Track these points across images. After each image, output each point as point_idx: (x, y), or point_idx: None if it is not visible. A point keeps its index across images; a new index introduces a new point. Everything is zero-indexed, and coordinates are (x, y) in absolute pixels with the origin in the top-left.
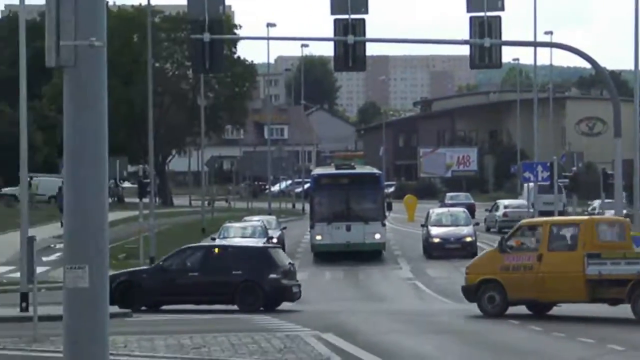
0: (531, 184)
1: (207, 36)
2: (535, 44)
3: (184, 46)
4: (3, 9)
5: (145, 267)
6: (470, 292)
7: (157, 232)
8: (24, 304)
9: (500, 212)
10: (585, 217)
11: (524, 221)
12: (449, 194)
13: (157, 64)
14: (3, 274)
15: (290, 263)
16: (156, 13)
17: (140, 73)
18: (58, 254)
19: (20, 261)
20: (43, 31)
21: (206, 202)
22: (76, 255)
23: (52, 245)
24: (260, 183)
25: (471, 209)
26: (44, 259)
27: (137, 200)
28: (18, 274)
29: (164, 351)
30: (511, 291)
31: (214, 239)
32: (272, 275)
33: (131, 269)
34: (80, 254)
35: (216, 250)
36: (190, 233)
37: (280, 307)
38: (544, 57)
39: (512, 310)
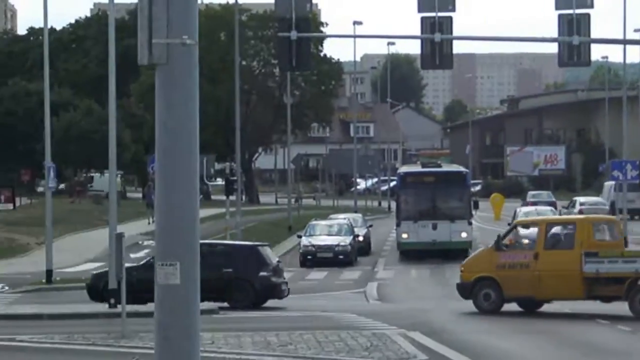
0: (611, 182)
1: (294, 34)
2: (624, 42)
3: (271, 44)
4: (92, 7)
5: (135, 265)
6: (466, 290)
7: (243, 229)
8: (112, 300)
9: (576, 209)
10: (581, 217)
11: (518, 220)
12: (530, 192)
13: (244, 62)
14: (92, 270)
15: (278, 261)
16: (243, 11)
17: (227, 71)
18: (146, 251)
19: (109, 258)
20: (131, 30)
21: (293, 200)
22: (167, 252)
23: (140, 242)
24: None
25: (553, 207)
26: (132, 255)
27: (224, 197)
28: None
29: (251, 348)
30: (507, 289)
31: (300, 237)
32: (262, 273)
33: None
34: (171, 250)
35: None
36: (277, 230)
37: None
38: (634, 54)
39: (600, 309)
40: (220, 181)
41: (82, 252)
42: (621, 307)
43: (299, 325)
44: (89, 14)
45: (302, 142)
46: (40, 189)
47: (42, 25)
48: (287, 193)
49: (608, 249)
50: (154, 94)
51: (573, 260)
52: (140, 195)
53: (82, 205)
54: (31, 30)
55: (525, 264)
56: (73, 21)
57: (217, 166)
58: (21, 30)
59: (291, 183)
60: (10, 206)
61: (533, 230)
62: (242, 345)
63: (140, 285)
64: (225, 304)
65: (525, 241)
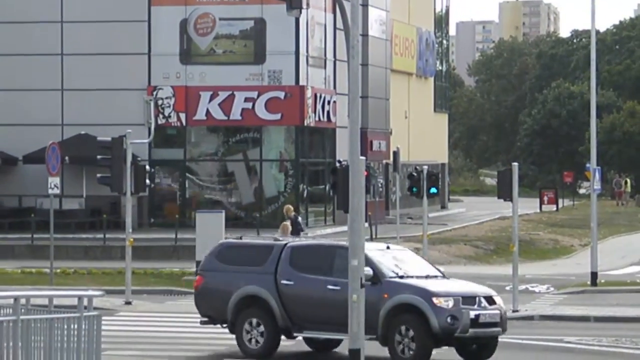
0: None
1: None
2: None
3: None
4: (636, 8)
5: None
6: None
7: None
8: None
9: None
10: None
11: None
12: None
13: None
14: (635, 274)
15: None
16: None
17: None
18: None
19: None
20: None
21: None
22: None
23: None
24: None
25: None
26: None
27: None
28: None
29: None
30: None
31: None
32: None
33: None
34: None
35: None
36: None
37: None
38: None
39: None
40: None
41: (625, 255)
42: None
43: None
44: (632, 15)
45: None
46: (582, 191)
47: (584, 27)
48: None
49: None
50: None
51: None
52: None
53: (625, 208)
54: (574, 32)
55: None
56: (617, 22)
57: None
58: (564, 33)
59: None
60: (554, 207)
61: None
62: None
63: None
64: None
65: None
